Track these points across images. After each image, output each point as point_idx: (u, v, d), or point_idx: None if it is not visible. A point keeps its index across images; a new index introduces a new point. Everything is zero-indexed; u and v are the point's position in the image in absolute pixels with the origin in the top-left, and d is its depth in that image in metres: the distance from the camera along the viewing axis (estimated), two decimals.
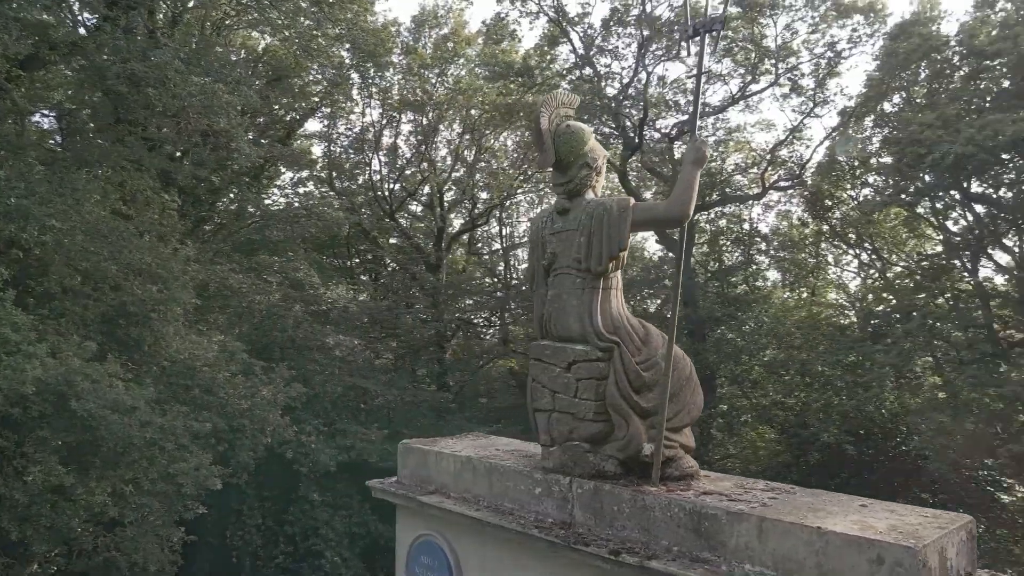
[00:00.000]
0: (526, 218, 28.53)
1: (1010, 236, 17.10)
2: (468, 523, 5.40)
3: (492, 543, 5.31)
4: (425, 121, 23.77)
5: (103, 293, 13.44)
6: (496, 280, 27.55)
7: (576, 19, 22.06)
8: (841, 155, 19.85)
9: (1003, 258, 17.50)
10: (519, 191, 26.13)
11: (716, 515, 4.15)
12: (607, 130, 21.99)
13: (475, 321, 26.58)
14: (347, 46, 20.02)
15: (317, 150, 25.46)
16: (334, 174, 25.00)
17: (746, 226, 24.61)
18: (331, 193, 24.27)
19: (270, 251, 20.66)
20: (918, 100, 18.23)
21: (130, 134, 14.63)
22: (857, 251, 22.14)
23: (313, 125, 27.68)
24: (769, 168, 22.54)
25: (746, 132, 23.73)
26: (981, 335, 16.51)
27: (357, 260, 26.88)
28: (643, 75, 21.92)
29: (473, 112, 23.75)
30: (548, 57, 23.58)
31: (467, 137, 24.67)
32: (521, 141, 24.70)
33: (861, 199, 20.67)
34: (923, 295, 17.60)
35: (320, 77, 21.69)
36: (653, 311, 23.00)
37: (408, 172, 25.39)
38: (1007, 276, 17.45)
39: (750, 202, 23.60)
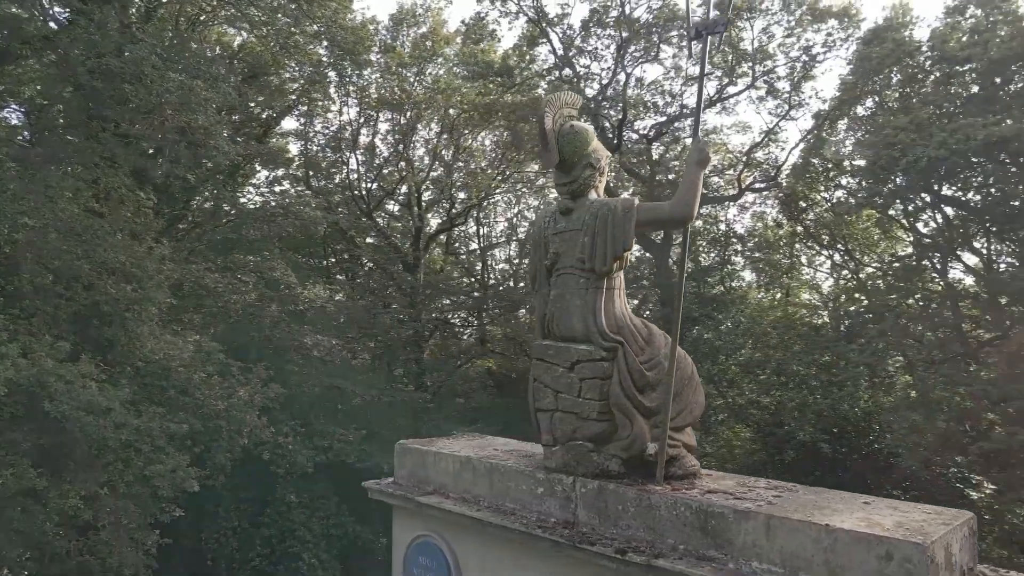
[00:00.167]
0: (504, 218, 28.56)
1: (979, 238, 17.53)
2: (468, 523, 5.35)
3: (492, 543, 5.27)
4: (403, 120, 23.58)
5: (76, 292, 13.15)
6: (474, 280, 27.52)
7: (556, 20, 22.19)
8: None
9: (972, 260, 17.96)
10: (497, 191, 26.11)
11: (723, 513, 4.16)
12: None
13: (453, 321, 26.54)
14: (325, 43, 19.78)
15: (294, 148, 25.18)
16: (311, 173, 24.71)
17: (722, 227, 24.93)
18: (308, 192, 23.97)
19: (246, 250, 20.33)
20: (891, 104, 18.62)
21: (104, 130, 14.30)
22: (830, 252, 22.54)
23: (290, 123, 27.33)
24: (745, 170, 22.85)
25: (723, 134, 24.08)
26: (951, 335, 16.92)
27: (334, 259, 26.62)
28: (622, 76, 22.15)
29: (452, 111, 23.64)
30: (527, 57, 23.65)
31: (445, 137, 24.54)
32: (500, 141, 24.67)
33: (835, 201, 21.05)
34: (895, 296, 17.96)
35: (297, 75, 21.42)
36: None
37: (386, 171, 25.17)
38: (976, 277, 17.88)
39: (726, 203, 23.91)
